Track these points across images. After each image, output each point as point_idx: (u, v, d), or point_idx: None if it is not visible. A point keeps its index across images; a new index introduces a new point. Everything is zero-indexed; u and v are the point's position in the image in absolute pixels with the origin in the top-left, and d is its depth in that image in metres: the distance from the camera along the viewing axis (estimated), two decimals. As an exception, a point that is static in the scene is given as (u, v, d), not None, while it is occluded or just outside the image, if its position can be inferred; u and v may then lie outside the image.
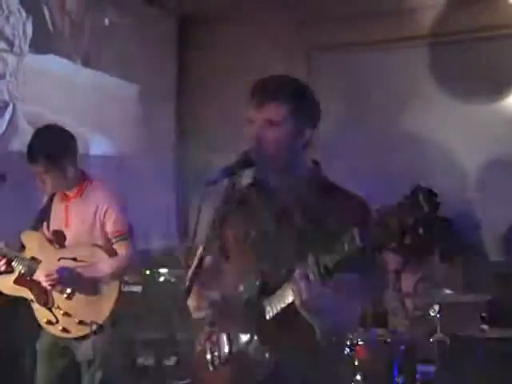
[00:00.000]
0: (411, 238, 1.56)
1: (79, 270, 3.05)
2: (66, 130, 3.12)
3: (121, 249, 3.12)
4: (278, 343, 1.84)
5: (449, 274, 4.02)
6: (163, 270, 4.34)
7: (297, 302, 1.75)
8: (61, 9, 4.56)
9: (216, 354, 1.99)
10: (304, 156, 1.98)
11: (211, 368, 2.00)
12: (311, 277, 1.70)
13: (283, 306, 1.81)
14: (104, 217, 3.10)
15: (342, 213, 1.87)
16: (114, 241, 3.12)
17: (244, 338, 1.89)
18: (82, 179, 3.18)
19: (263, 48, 4.98)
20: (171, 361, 3.62)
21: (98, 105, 4.76)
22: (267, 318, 1.84)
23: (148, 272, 4.30)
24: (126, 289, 4.00)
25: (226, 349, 1.95)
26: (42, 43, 4.41)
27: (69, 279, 3.04)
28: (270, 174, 1.95)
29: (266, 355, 1.84)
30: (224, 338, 1.98)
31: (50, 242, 3.20)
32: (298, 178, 1.96)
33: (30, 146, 3.06)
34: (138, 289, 4.15)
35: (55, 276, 3.03)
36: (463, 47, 4.74)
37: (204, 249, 1.91)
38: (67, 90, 4.51)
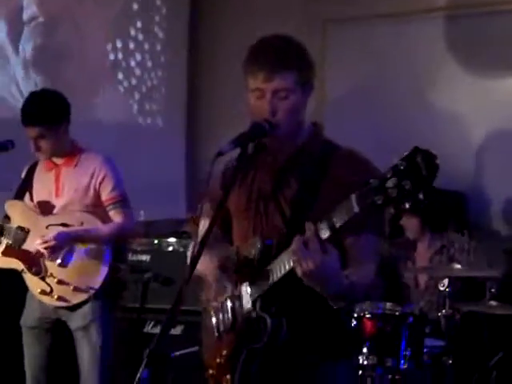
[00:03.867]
0: (411, 204, 1.49)
1: (75, 232, 3.01)
2: (61, 95, 3.10)
3: (116, 216, 3.09)
4: (281, 308, 1.81)
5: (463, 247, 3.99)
6: (172, 240, 4.33)
7: (298, 272, 1.72)
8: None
9: (221, 319, 1.98)
10: (304, 119, 1.96)
11: (216, 334, 2.00)
12: (311, 244, 1.66)
13: (284, 272, 1.78)
14: (100, 185, 3.08)
15: (344, 174, 1.84)
16: (109, 208, 3.08)
17: (247, 303, 1.87)
18: (74, 149, 3.15)
19: (276, 21, 4.90)
20: (177, 330, 3.64)
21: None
22: (270, 282, 1.82)
23: (156, 241, 4.28)
24: (133, 257, 4.12)
25: (230, 314, 1.95)
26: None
27: (67, 240, 2.99)
28: (277, 143, 1.91)
29: (268, 321, 1.82)
30: (228, 303, 1.97)
31: (36, 210, 3.15)
32: (296, 141, 1.94)
33: (26, 109, 3.04)
34: (146, 257, 4.15)
35: (52, 242, 2.98)
36: (479, 20, 4.63)
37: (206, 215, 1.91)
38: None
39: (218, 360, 1.97)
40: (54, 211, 3.11)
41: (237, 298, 1.93)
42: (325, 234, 1.68)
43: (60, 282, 3.03)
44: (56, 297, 3.04)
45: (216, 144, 2.04)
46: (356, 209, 1.57)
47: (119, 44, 4.98)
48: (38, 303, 3.13)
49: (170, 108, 5.29)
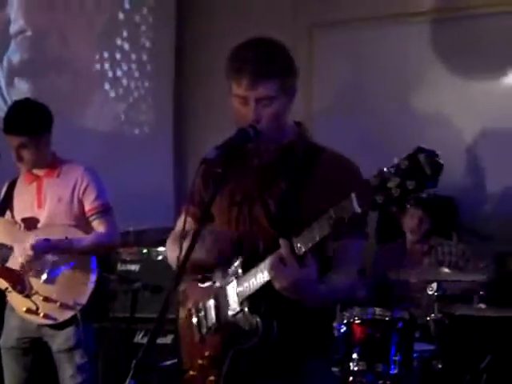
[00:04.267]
0: (413, 203, 1.49)
1: (55, 242, 2.94)
2: (45, 106, 3.06)
3: (99, 226, 3.04)
4: (268, 310, 1.81)
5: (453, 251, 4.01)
6: (161, 249, 4.26)
7: (275, 287, 1.72)
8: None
9: (203, 319, 1.96)
10: (287, 122, 1.95)
11: (197, 336, 1.97)
12: (288, 261, 1.65)
13: (263, 283, 1.77)
14: (83, 194, 3.04)
15: (329, 175, 1.83)
16: (92, 218, 3.04)
17: (233, 304, 1.85)
18: (56, 160, 3.11)
19: (262, 26, 4.92)
20: (168, 339, 3.64)
21: None
22: (251, 289, 1.81)
23: (145, 251, 4.26)
24: (122, 267, 4.10)
25: (213, 316, 1.93)
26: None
27: (46, 248, 2.92)
28: (262, 145, 1.90)
29: (259, 323, 1.81)
30: (211, 302, 1.95)
31: (19, 226, 3.08)
32: (280, 141, 1.93)
33: (9, 117, 3.01)
34: (135, 267, 4.13)
35: (30, 252, 2.90)
36: (464, 23, 4.67)
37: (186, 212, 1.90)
38: None
39: (199, 361, 1.95)
40: (39, 224, 3.05)
41: (222, 298, 1.92)
42: (304, 247, 1.68)
43: (46, 300, 2.96)
44: (42, 315, 2.97)
45: (204, 152, 2.07)
46: (357, 209, 1.54)
47: (106, 54, 4.97)
48: (17, 323, 3.06)
49: (158, 117, 5.29)
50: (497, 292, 3.81)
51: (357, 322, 3.33)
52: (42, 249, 2.93)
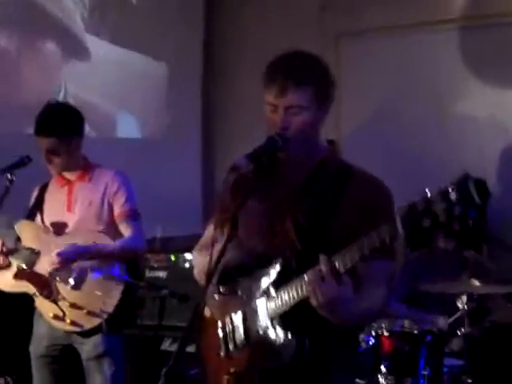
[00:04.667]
0: (460, 230, 1.48)
1: (82, 248, 2.92)
2: (77, 110, 3.08)
3: (127, 231, 3.04)
4: (301, 327, 1.79)
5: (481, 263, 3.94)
6: (188, 256, 4.29)
7: (312, 303, 1.72)
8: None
9: (230, 335, 1.94)
10: (319, 135, 1.95)
11: (224, 352, 1.95)
12: (327, 278, 1.65)
13: (298, 299, 1.77)
14: (113, 197, 3.04)
15: (360, 196, 1.83)
16: (120, 222, 3.04)
17: (264, 320, 1.83)
18: (87, 165, 3.12)
19: (288, 36, 4.89)
20: (193, 347, 3.62)
21: (125, 84, 4.69)
22: (285, 307, 1.79)
23: (173, 257, 4.27)
24: (150, 274, 4.10)
25: (241, 332, 1.91)
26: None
27: (72, 255, 2.91)
28: (291, 154, 1.89)
29: (293, 341, 1.79)
30: (239, 318, 1.93)
31: (47, 231, 3.09)
32: (313, 157, 1.93)
33: (40, 120, 3.01)
34: (162, 274, 4.14)
35: (56, 258, 2.89)
36: (495, 31, 4.60)
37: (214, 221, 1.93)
38: (94, 67, 4.47)
39: (226, 377, 1.93)
40: (68, 229, 3.05)
41: (251, 313, 1.89)
42: (343, 266, 1.68)
43: (73, 306, 2.94)
44: (69, 321, 2.95)
45: (232, 158, 2.08)
46: (401, 232, 1.54)
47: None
48: (46, 330, 3.05)
49: (186, 123, 5.28)
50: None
51: (385, 334, 3.29)
52: (68, 256, 2.91)
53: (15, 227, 3.10)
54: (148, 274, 4.04)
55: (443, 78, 4.77)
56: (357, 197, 1.85)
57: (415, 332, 3.29)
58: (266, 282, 1.88)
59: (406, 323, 3.31)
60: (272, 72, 1.88)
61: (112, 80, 4.57)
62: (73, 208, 3.06)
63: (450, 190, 1.46)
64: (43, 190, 3.16)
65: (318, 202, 1.87)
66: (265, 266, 1.88)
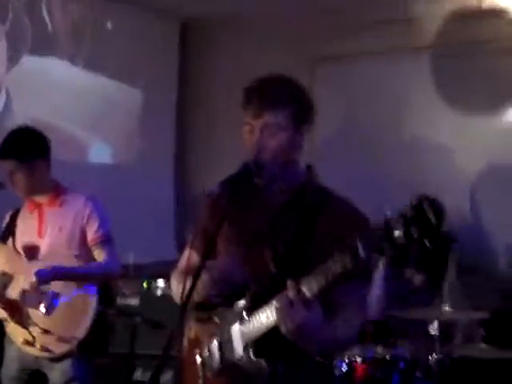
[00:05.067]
0: (418, 252, 1.49)
1: (58, 269, 2.92)
2: (40, 132, 3.09)
3: (101, 256, 3.04)
4: (272, 354, 1.79)
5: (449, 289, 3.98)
6: (161, 283, 4.30)
7: (282, 329, 1.72)
8: (61, 11, 4.52)
9: (207, 361, 1.94)
10: (298, 159, 1.94)
11: (201, 378, 1.95)
12: (295, 304, 1.66)
13: (269, 325, 1.76)
14: (86, 223, 3.03)
15: (337, 223, 1.83)
16: (94, 247, 3.03)
17: (238, 347, 1.83)
18: (58, 188, 3.11)
19: (264, 58, 4.96)
20: (168, 375, 3.58)
21: (98, 110, 4.69)
22: (257, 333, 1.80)
23: (145, 284, 4.24)
24: (122, 301, 4.06)
25: (217, 357, 1.91)
26: (41, 45, 4.37)
27: (49, 274, 2.90)
28: (267, 180, 1.88)
29: (265, 368, 1.80)
30: (215, 344, 1.93)
31: (19, 255, 3.08)
32: (291, 183, 1.92)
33: (2, 143, 3.04)
34: (134, 301, 4.12)
35: (33, 279, 2.88)
36: (464, 59, 4.70)
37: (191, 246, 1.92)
38: (67, 94, 4.44)
39: None
40: (40, 255, 3.04)
41: (226, 340, 1.90)
42: (312, 290, 1.68)
43: (44, 332, 2.93)
44: (39, 347, 2.94)
45: (206, 185, 2.07)
46: (362, 256, 1.56)
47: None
48: (16, 353, 3.04)
49: (159, 149, 5.28)
50: (498, 331, 3.77)
51: (358, 360, 3.29)
52: (45, 275, 2.91)
53: None
54: (119, 301, 4.00)
55: (412, 102, 4.82)
56: (332, 223, 1.85)
57: (387, 358, 3.29)
58: (240, 307, 1.89)
59: (379, 349, 3.32)
60: (249, 93, 1.89)
61: (85, 105, 4.58)
62: (43, 233, 3.06)
63: (407, 211, 1.49)
64: (15, 214, 3.16)
65: (297, 229, 1.87)
66: (240, 292, 1.88)
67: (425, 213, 1.47)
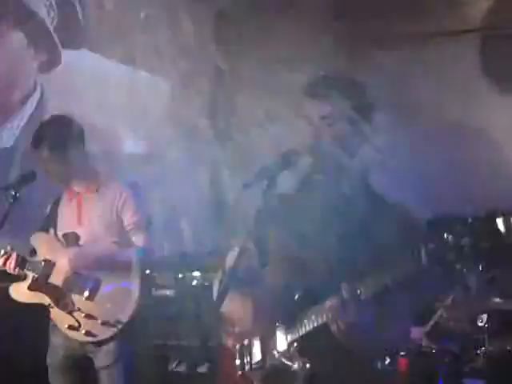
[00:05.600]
0: (485, 263, 1.48)
1: (93, 255, 2.95)
2: (73, 120, 3.10)
3: (137, 240, 3.06)
4: (314, 354, 1.77)
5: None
6: (196, 274, 4.21)
7: (333, 330, 1.71)
8: (94, 2, 4.49)
9: (247, 360, 1.94)
10: (356, 157, 1.90)
11: (239, 371, 1.94)
12: (349, 303, 1.64)
13: (317, 325, 1.74)
14: (122, 208, 3.05)
15: (396, 228, 1.79)
16: (131, 233, 3.06)
17: (280, 346, 1.81)
18: (95, 176, 3.14)
19: (301, 43, 4.80)
20: (204, 367, 3.53)
21: (132, 102, 4.62)
22: (302, 332, 1.78)
23: (180, 275, 4.19)
24: (157, 292, 3.99)
25: (259, 356, 1.91)
26: (74, 37, 4.36)
27: (84, 262, 2.96)
28: (321, 176, 1.87)
29: (307, 366, 1.79)
30: (257, 343, 1.91)
31: (61, 243, 3.13)
32: (349, 182, 1.89)
33: (36, 132, 3.08)
34: (170, 292, 4.10)
35: (68, 266, 2.95)
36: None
37: (241, 253, 1.86)
38: (100, 87, 4.41)
39: None
40: (80, 241, 3.08)
41: (270, 339, 1.88)
42: (367, 293, 1.66)
43: (88, 316, 2.98)
44: (84, 331, 2.98)
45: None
46: (425, 262, 1.54)
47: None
48: (61, 340, 3.08)
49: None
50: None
51: (402, 353, 3.16)
52: (80, 263, 2.96)
53: (30, 239, 3.15)
54: (155, 292, 3.93)
55: (461, 87, 4.59)
56: (391, 226, 1.80)
57: (433, 351, 3.15)
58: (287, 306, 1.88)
59: (424, 341, 3.18)
60: (308, 88, 1.93)
61: (119, 99, 4.52)
62: (83, 220, 3.09)
63: (477, 223, 1.48)
64: (57, 203, 3.20)
65: (345, 227, 1.83)
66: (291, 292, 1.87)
67: (498, 229, 1.46)
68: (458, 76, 4.72)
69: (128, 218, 3.06)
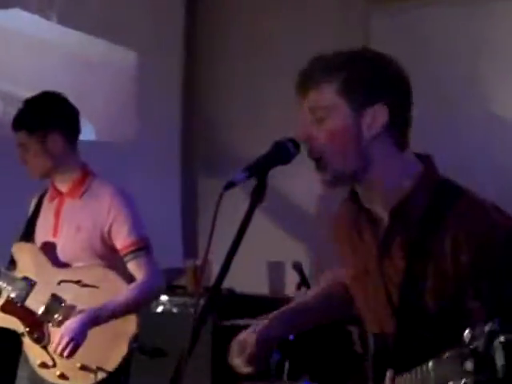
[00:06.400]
0: None
1: (92, 317, 2.57)
2: (66, 100, 2.73)
3: (137, 270, 2.61)
4: None
5: None
6: (163, 298, 3.68)
7: None
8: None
9: None
10: (384, 150, 1.53)
11: None
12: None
13: None
14: (111, 227, 2.61)
15: (464, 246, 1.45)
16: (127, 259, 2.61)
17: None
18: (84, 174, 2.69)
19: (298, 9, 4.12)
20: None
21: (81, 76, 3.99)
22: None
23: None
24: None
25: None
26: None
27: (80, 330, 2.55)
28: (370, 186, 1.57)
29: None
30: None
31: (46, 259, 2.71)
32: (404, 186, 1.54)
33: (17, 112, 2.73)
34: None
35: (65, 340, 2.53)
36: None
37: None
38: (38, 55, 3.79)
39: None
40: (61, 258, 2.67)
41: None
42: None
43: (82, 368, 2.60)
44: (58, 373, 2.61)
45: (218, 174, 1.71)
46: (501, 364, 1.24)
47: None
48: (27, 374, 2.71)
49: (165, 142, 4.56)
50: None
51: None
52: (80, 335, 2.55)
53: (12, 249, 2.76)
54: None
55: (487, 52, 3.88)
56: (456, 244, 1.47)
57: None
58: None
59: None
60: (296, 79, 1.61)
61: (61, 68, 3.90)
62: (59, 231, 2.69)
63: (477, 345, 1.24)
64: (41, 200, 2.81)
65: (408, 257, 1.51)
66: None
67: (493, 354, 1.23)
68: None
69: (122, 240, 2.60)
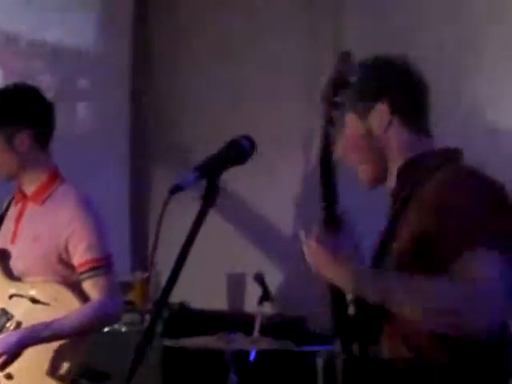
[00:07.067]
0: None
1: (33, 329, 2.43)
2: (40, 93, 2.59)
3: (92, 289, 2.45)
4: None
5: None
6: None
7: None
8: None
9: None
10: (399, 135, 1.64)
11: None
12: None
13: None
14: (69, 236, 2.46)
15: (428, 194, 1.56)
16: (82, 277, 2.46)
17: None
18: (52, 178, 2.55)
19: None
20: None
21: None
22: None
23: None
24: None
25: None
26: None
27: (18, 347, 2.43)
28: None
29: None
30: None
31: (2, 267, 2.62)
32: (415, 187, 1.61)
33: None
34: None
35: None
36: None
37: None
38: None
39: None
40: (15, 270, 2.54)
41: None
42: None
43: (7, 376, 2.46)
44: None
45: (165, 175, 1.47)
46: None
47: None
48: None
49: (111, 139, 4.35)
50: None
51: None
52: (11, 347, 2.44)
53: None
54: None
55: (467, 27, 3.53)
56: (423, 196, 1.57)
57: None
58: None
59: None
60: None
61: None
62: (17, 239, 2.56)
63: None
64: (10, 202, 2.69)
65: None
66: None
67: None
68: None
69: (79, 255, 2.45)
